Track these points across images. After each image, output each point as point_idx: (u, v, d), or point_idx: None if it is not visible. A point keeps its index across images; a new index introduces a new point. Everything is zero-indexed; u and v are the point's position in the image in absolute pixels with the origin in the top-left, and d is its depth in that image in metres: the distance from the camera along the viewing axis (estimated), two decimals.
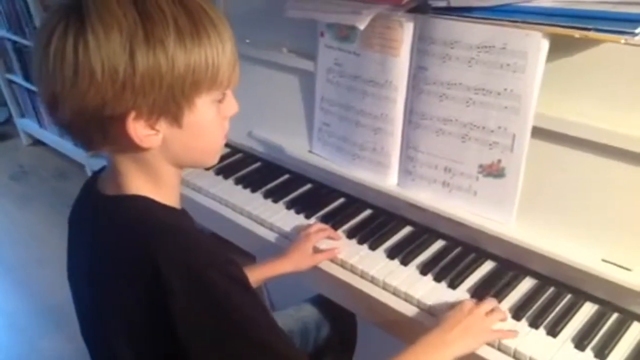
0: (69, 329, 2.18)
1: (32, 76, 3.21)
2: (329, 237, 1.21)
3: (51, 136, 3.45)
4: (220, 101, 0.76)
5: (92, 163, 3.10)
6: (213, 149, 0.82)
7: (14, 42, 3.22)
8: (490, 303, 0.98)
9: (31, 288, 2.51)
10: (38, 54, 0.68)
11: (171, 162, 0.78)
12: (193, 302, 0.69)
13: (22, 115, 3.67)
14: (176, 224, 0.78)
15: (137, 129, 0.70)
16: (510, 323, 0.98)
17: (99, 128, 0.70)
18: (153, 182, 0.78)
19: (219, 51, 0.71)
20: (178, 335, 0.70)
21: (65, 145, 3.32)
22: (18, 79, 3.40)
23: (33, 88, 3.29)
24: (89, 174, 3.09)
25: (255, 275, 1.09)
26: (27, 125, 3.65)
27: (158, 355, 0.75)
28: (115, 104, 0.67)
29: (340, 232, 1.23)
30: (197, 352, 0.70)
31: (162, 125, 0.72)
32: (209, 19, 0.70)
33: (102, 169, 0.85)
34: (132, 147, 0.72)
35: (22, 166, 3.53)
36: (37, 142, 3.68)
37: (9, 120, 3.89)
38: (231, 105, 0.79)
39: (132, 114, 0.69)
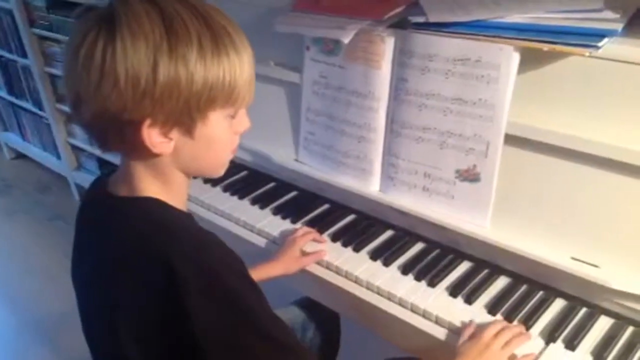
0: (54, 340, 2.21)
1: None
2: (315, 240, 1.27)
3: (34, 150, 3.45)
4: (233, 117, 0.80)
5: (75, 176, 3.12)
6: (221, 162, 0.86)
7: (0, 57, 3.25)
8: (509, 331, 0.99)
9: (16, 300, 2.52)
10: (69, 55, 0.73)
11: (180, 169, 0.82)
12: (208, 300, 0.72)
13: (6, 129, 3.67)
14: (189, 225, 0.82)
15: (152, 136, 0.74)
16: (487, 318, 1.04)
17: (117, 131, 0.75)
18: (164, 186, 0.82)
19: (237, 71, 0.75)
20: (193, 332, 0.72)
21: (49, 159, 3.33)
22: (2, 92, 3.41)
23: (17, 102, 3.31)
24: (73, 187, 3.15)
25: None
26: (10, 139, 3.65)
27: (166, 354, 0.77)
28: (134, 110, 0.72)
29: (325, 236, 1.29)
30: (212, 348, 0.73)
31: (175, 134, 0.76)
32: (231, 40, 0.74)
33: (109, 172, 0.89)
34: (145, 152, 0.76)
35: (5, 180, 3.53)
36: (20, 156, 3.69)
37: None
38: (243, 122, 0.84)
39: (148, 121, 0.73)
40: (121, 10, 0.71)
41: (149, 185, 0.81)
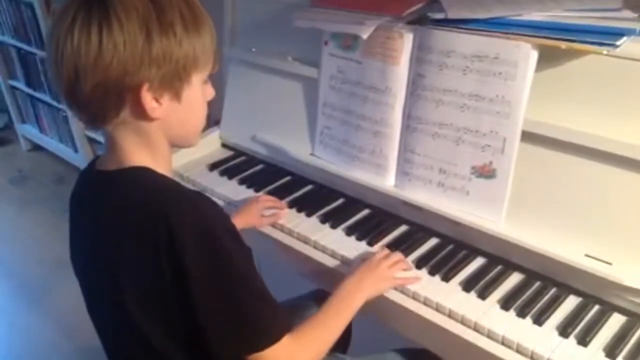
0: (68, 329, 2.23)
1: (33, 78, 3.27)
2: (275, 207, 1.37)
3: (51, 141, 3.50)
4: (205, 83, 0.90)
5: None
6: (199, 127, 0.94)
7: (19, 49, 3.28)
8: (395, 256, 1.15)
9: (30, 291, 2.55)
10: (61, 36, 0.79)
11: (167, 136, 0.89)
12: (203, 255, 0.80)
13: (23, 121, 3.72)
14: (180, 188, 0.88)
15: (148, 100, 0.82)
16: (499, 313, 1.05)
17: (116, 99, 0.82)
18: (151, 154, 0.89)
19: (209, 37, 0.86)
20: (188, 286, 0.80)
21: (65, 151, 3.37)
22: (21, 85, 3.46)
23: (35, 94, 3.36)
24: None
25: None
26: (27, 130, 3.70)
27: (169, 316, 0.84)
28: (134, 75, 0.79)
29: (340, 230, 1.30)
30: (203, 298, 0.82)
31: (165, 99, 0.84)
32: (200, 10, 0.86)
33: (96, 159, 0.95)
34: (141, 117, 0.84)
35: (21, 171, 3.57)
36: (37, 148, 3.73)
37: (7, 126, 3.94)
38: (210, 91, 0.94)
39: (146, 85, 0.81)
40: None
41: (137, 155, 0.88)
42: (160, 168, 0.90)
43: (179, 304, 0.82)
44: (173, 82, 0.84)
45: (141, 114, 0.84)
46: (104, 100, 0.81)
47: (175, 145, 0.94)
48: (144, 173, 0.87)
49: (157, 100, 0.83)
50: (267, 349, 0.86)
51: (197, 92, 0.88)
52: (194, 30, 0.83)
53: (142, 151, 0.88)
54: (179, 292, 0.81)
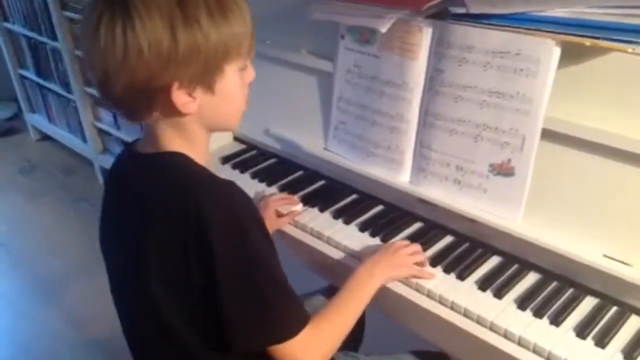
0: (76, 319, 2.23)
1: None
2: (288, 203, 1.36)
3: (60, 131, 3.49)
4: (243, 69, 0.88)
5: (100, 159, 3.15)
6: (238, 112, 0.94)
7: (29, 38, 3.27)
8: (413, 246, 1.16)
9: (38, 279, 2.55)
10: (88, 38, 0.78)
11: (204, 126, 0.90)
12: (230, 239, 0.81)
13: (32, 111, 3.71)
14: (213, 175, 0.88)
15: (180, 97, 0.81)
16: (516, 313, 1.04)
17: (147, 99, 0.82)
18: (188, 144, 0.89)
19: (241, 24, 0.83)
20: (213, 269, 0.80)
21: (74, 141, 3.36)
22: (30, 74, 3.45)
23: (44, 83, 3.35)
24: (97, 169, 3.17)
25: None
26: (36, 120, 3.70)
27: (192, 303, 0.85)
28: (161, 76, 0.79)
29: (353, 225, 1.29)
30: (228, 283, 0.81)
31: (199, 93, 0.84)
32: None
33: (135, 141, 0.96)
34: (174, 114, 0.85)
35: (30, 161, 3.57)
36: (46, 138, 3.73)
37: (17, 115, 3.94)
38: (250, 73, 0.91)
39: (176, 84, 0.80)
40: None
41: (175, 144, 0.89)
42: (198, 156, 0.90)
43: (203, 289, 0.82)
44: (204, 77, 0.83)
45: (174, 111, 0.84)
46: (135, 100, 0.82)
47: (215, 130, 0.94)
48: (180, 159, 0.88)
49: (190, 95, 0.83)
50: (288, 341, 0.86)
51: (233, 81, 0.87)
52: (222, 19, 0.80)
53: (179, 141, 0.89)
54: (204, 276, 0.81)
